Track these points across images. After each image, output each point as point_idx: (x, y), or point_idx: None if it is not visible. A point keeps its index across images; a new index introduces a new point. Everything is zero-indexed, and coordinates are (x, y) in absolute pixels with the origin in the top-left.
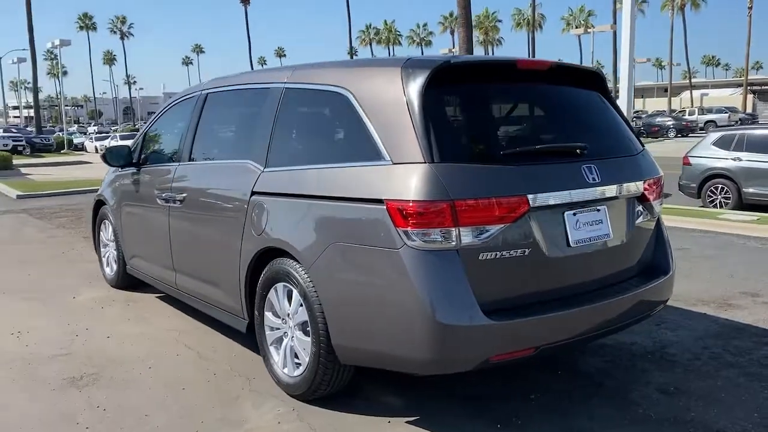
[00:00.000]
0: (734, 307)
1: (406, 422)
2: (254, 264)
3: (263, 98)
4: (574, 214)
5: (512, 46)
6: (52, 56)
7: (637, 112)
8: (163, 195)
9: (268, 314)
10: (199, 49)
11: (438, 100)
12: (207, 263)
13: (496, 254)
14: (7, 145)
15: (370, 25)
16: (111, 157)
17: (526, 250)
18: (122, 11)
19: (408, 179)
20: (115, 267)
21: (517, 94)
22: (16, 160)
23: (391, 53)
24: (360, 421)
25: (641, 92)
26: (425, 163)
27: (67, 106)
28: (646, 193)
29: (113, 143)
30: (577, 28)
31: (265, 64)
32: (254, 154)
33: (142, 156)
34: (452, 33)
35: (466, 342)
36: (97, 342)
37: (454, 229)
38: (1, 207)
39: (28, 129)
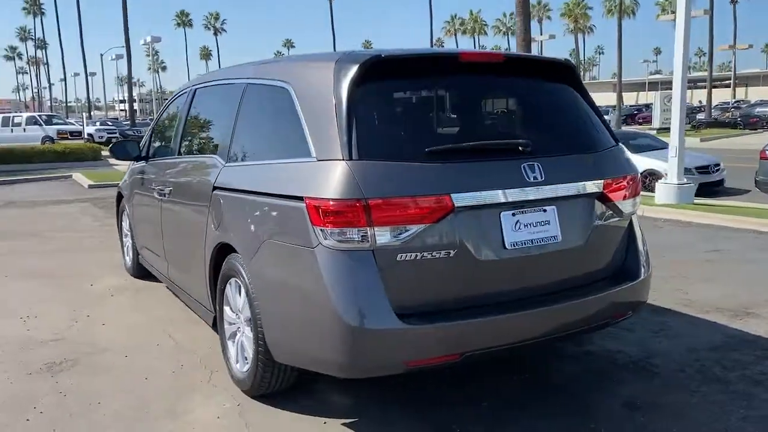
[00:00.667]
0: (752, 316)
1: (342, 424)
2: (215, 259)
3: (231, 94)
4: (513, 215)
5: (604, 35)
6: (154, 51)
7: (738, 101)
8: (157, 188)
9: (226, 309)
10: (289, 44)
11: (365, 96)
12: (184, 256)
13: (417, 256)
14: (102, 137)
15: (455, 16)
16: (117, 151)
17: (451, 251)
18: (215, 7)
19: (325, 177)
20: (131, 256)
21: (461, 88)
22: (106, 152)
23: (477, 44)
24: (296, 419)
25: (745, 80)
26: (343, 160)
27: (167, 99)
28: (607, 192)
29: None
30: (671, 13)
31: None
32: (220, 149)
33: (150, 150)
34: (540, 22)
35: (379, 346)
36: (91, 329)
37: (368, 228)
38: (71, 196)
39: (125, 122)
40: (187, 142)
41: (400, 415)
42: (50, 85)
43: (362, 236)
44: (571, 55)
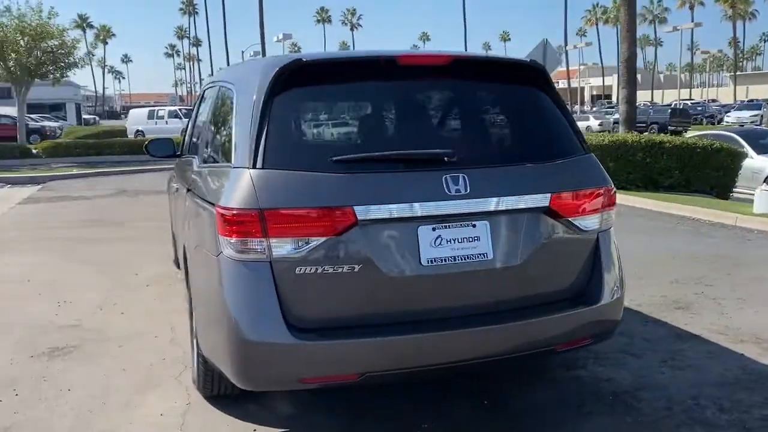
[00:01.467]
0: None
1: None
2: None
3: (213, 94)
4: (434, 230)
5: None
6: (296, 48)
7: None
8: (175, 185)
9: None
10: (425, 37)
11: (282, 103)
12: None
13: (318, 269)
14: None
15: (597, 4)
16: (152, 148)
17: (356, 266)
18: (351, 3)
19: (231, 185)
20: (174, 248)
21: (396, 94)
22: None
23: (618, 33)
24: (231, 424)
25: None
26: (248, 168)
27: None
28: (558, 207)
29: None
30: None
31: (490, 49)
32: (199, 150)
33: (183, 147)
34: (691, 8)
35: (270, 360)
36: (109, 318)
37: (264, 239)
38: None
39: None
40: (189, 141)
41: (332, 428)
42: (201, 80)
43: (259, 247)
44: (729, 44)
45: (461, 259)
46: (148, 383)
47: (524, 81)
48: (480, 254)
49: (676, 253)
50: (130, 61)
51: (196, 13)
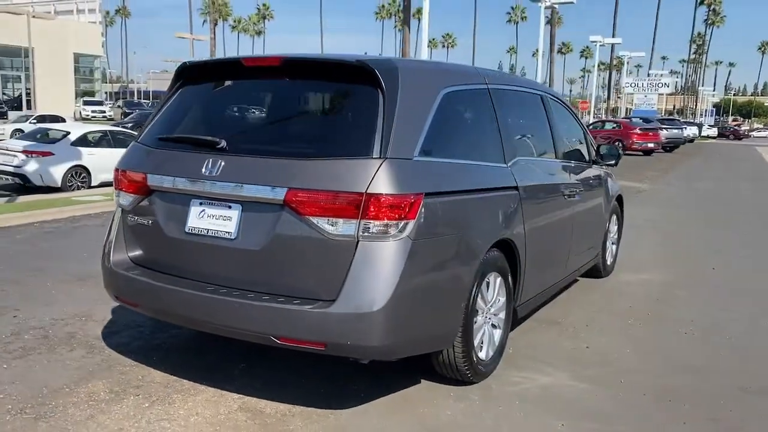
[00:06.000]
0: None
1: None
2: None
3: None
4: (200, 204)
5: None
6: None
7: None
8: None
9: None
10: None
11: (174, 96)
12: None
13: (134, 218)
14: None
15: None
16: None
17: (151, 222)
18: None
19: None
20: None
21: (241, 90)
22: None
23: None
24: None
25: None
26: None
27: None
28: (293, 204)
29: None
30: None
31: None
32: None
33: None
34: None
35: (108, 280)
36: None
37: (117, 191)
38: None
39: None
40: None
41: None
42: None
43: (116, 197)
44: None
45: (212, 233)
46: (92, 375)
47: (350, 80)
48: (227, 232)
49: None
50: None
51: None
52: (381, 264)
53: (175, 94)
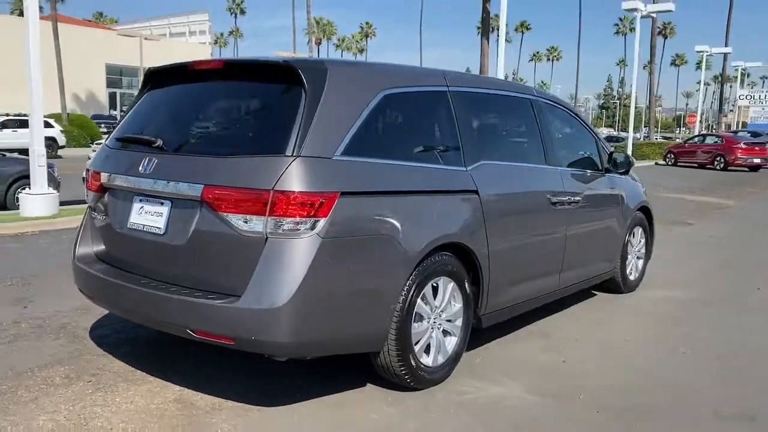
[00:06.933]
0: None
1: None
2: None
3: None
4: (140, 201)
5: None
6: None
7: None
8: None
9: None
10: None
11: (139, 99)
12: None
13: (95, 215)
14: None
15: None
16: None
17: (104, 218)
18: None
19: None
20: None
21: (192, 91)
22: None
23: None
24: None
25: None
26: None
27: None
28: (209, 200)
29: None
30: None
31: None
32: None
33: None
34: None
35: (75, 275)
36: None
37: (86, 191)
38: None
39: None
40: None
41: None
42: None
43: (84, 194)
44: None
45: (147, 229)
46: (60, 359)
47: (278, 81)
48: (157, 227)
49: None
50: None
51: None
52: (287, 261)
53: (141, 97)
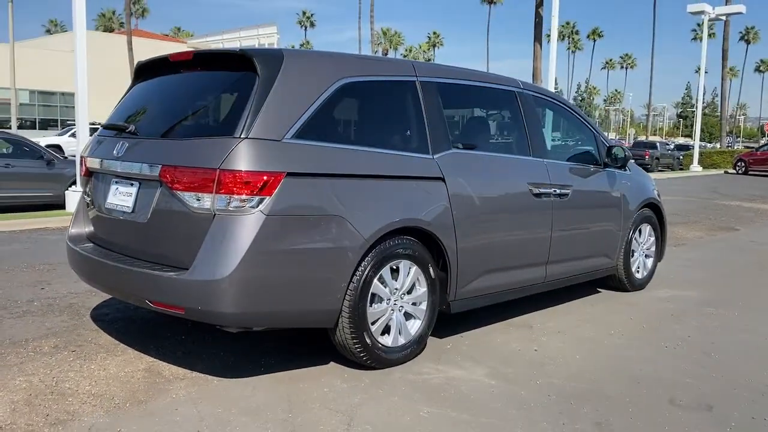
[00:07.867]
0: None
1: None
2: None
3: None
4: (116, 183)
5: None
6: None
7: None
8: None
9: None
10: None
11: (128, 91)
12: None
13: (85, 198)
14: None
15: None
16: None
17: (91, 199)
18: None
19: None
20: None
21: (169, 81)
22: None
23: None
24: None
25: None
26: None
27: None
28: (165, 180)
29: None
30: None
31: None
32: None
33: None
34: None
35: (67, 254)
36: None
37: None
38: None
39: None
40: None
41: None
42: None
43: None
44: None
45: (119, 208)
46: (53, 344)
47: (236, 69)
48: (127, 206)
49: None
50: None
51: None
52: (231, 236)
53: (130, 89)
